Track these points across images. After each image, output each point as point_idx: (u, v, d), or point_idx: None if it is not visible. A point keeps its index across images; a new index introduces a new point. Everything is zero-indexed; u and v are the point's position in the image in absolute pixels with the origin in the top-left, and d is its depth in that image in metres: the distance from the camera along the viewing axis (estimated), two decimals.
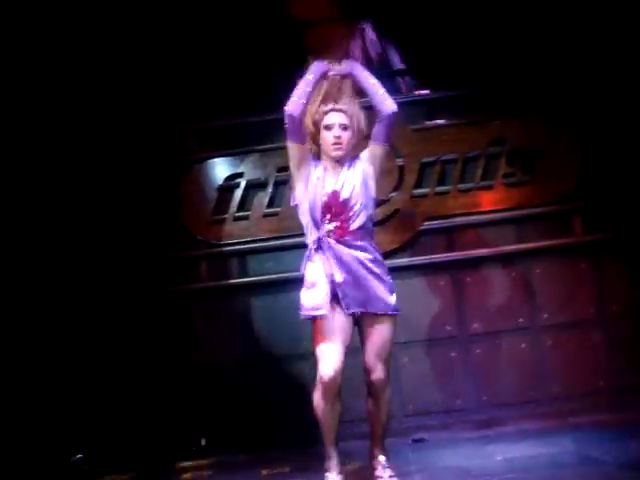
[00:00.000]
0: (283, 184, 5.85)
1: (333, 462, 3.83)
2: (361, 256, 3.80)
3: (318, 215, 3.80)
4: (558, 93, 5.85)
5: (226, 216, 5.89)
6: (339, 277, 3.76)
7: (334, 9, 6.18)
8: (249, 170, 5.93)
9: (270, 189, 5.88)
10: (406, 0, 5.97)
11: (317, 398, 3.76)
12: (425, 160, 5.82)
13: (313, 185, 3.84)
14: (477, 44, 5.89)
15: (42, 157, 5.61)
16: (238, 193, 5.90)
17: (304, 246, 5.71)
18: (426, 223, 5.75)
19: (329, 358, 3.69)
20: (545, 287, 5.71)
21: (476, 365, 5.67)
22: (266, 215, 5.88)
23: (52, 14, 5.51)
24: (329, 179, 3.84)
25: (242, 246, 5.89)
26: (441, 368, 5.62)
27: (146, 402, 5.61)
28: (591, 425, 5.15)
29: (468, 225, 5.82)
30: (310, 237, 3.89)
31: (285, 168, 5.82)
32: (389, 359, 3.93)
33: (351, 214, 3.79)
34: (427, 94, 6.02)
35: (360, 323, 3.88)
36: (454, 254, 5.78)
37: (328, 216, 3.79)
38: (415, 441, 5.31)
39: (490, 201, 5.80)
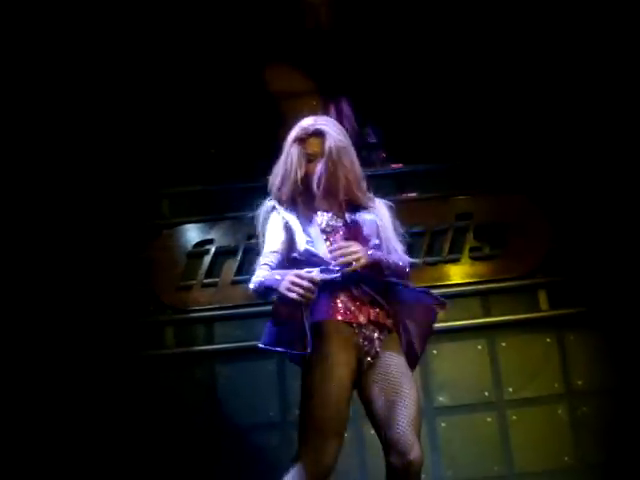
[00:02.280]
0: (253, 251, 5.85)
1: None
2: None
3: None
4: (525, 169, 5.98)
5: (194, 282, 5.86)
6: None
7: (310, 83, 6.29)
8: (219, 237, 5.94)
9: (239, 256, 5.88)
10: (379, 77, 6.10)
11: None
12: None
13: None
14: (446, 121, 6.03)
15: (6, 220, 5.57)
16: (207, 259, 5.89)
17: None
18: None
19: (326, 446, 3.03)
20: (510, 361, 5.72)
21: (442, 438, 5.62)
22: (235, 282, 5.86)
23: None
24: None
25: (209, 312, 5.85)
26: None
27: (110, 467, 5.46)
28: None
29: None
30: None
31: (255, 236, 5.87)
32: None
33: None
34: (400, 168, 6.12)
35: None
36: None
37: None
38: None
39: (457, 274, 5.86)
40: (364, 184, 3.37)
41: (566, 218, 5.86)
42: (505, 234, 5.88)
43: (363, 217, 3.29)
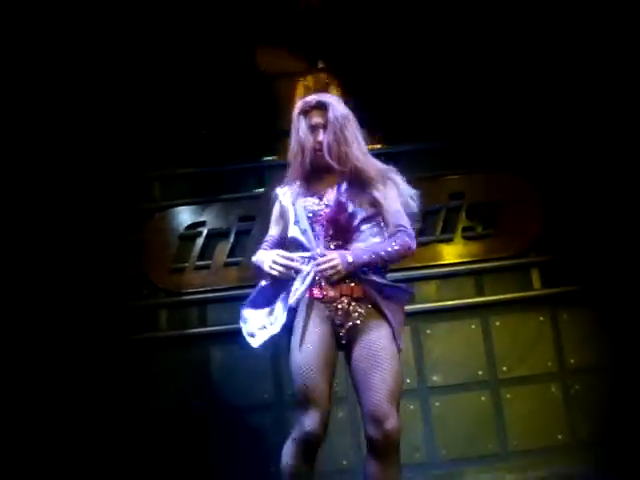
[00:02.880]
0: (245, 233, 5.87)
1: None
2: None
3: None
4: (518, 147, 5.97)
5: (187, 265, 5.86)
6: None
7: (301, 63, 6.26)
8: (211, 219, 5.93)
9: (232, 238, 5.88)
10: (368, 56, 6.07)
11: (296, 454, 3.23)
12: None
13: None
14: (438, 99, 6.01)
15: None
16: (199, 242, 5.89)
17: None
18: (386, 275, 5.76)
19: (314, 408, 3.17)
20: (504, 340, 5.74)
21: (435, 418, 5.64)
22: (227, 264, 5.86)
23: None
24: None
25: (202, 295, 5.85)
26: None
27: (104, 451, 5.47)
28: (550, 479, 5.15)
29: (428, 277, 5.86)
30: None
31: (247, 218, 5.88)
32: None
33: None
34: (391, 147, 6.10)
35: None
36: (414, 306, 5.79)
37: None
38: None
39: (450, 254, 5.86)
40: (369, 157, 3.47)
41: (559, 197, 5.86)
42: (498, 213, 5.88)
43: (355, 193, 3.33)
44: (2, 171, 5.53)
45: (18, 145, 5.60)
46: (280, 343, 5.60)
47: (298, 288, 3.22)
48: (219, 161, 6.02)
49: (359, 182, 3.36)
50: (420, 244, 5.78)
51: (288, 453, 3.24)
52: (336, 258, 3.14)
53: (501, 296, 5.79)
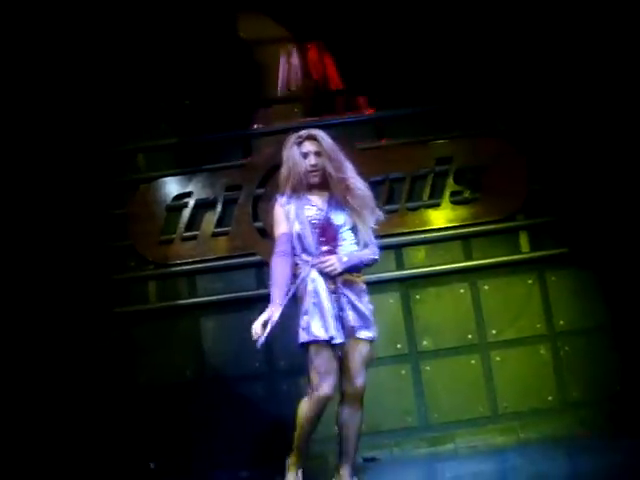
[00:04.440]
0: (232, 203, 5.84)
1: (302, 458, 4.03)
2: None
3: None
4: (504, 111, 5.95)
5: (174, 236, 5.84)
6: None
7: (281, 29, 6.19)
8: (197, 189, 5.90)
9: (219, 208, 5.85)
10: (353, 21, 6.00)
11: (313, 412, 3.89)
12: (373, 179, 5.82)
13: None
14: (423, 63, 5.96)
15: None
16: (186, 212, 5.85)
17: (253, 265, 5.79)
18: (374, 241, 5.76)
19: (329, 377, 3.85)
20: (493, 303, 5.77)
21: (426, 382, 5.68)
22: (215, 235, 5.85)
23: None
24: None
25: (191, 266, 5.84)
26: (391, 385, 5.62)
27: (95, 424, 5.49)
28: (540, 440, 5.22)
29: (416, 243, 5.86)
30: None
31: (233, 187, 5.85)
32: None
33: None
34: (378, 113, 6.06)
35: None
36: (403, 272, 5.81)
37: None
38: (366, 460, 5.29)
39: (438, 219, 5.86)
40: (357, 178, 4.03)
41: (546, 160, 5.84)
42: (485, 177, 5.86)
43: (342, 207, 3.98)
44: None
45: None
46: None
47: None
48: (204, 130, 5.97)
49: (345, 198, 3.96)
50: (408, 210, 5.84)
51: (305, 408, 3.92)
52: (333, 258, 3.89)
53: (489, 260, 5.80)
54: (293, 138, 4.02)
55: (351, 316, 3.91)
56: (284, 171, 4.03)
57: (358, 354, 3.94)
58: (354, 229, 4.00)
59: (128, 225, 5.87)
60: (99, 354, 5.63)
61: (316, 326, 3.83)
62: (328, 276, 3.89)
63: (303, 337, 3.88)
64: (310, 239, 3.94)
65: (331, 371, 3.84)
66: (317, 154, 3.96)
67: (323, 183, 3.98)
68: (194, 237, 5.85)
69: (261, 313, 5.58)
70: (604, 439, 5.01)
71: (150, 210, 5.89)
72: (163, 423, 5.54)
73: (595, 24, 5.61)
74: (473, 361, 5.72)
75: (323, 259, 3.89)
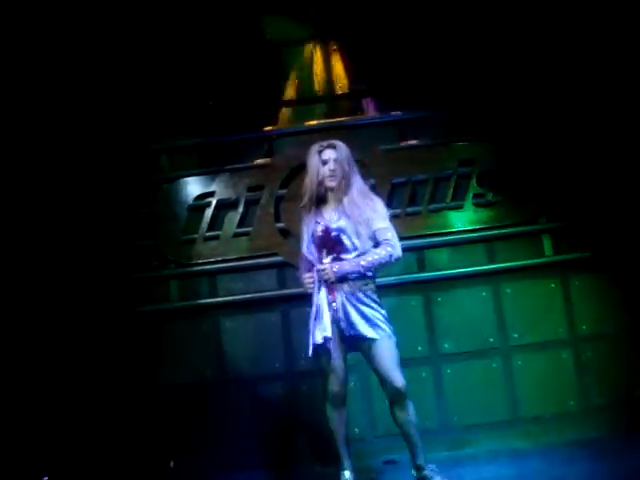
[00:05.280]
0: (254, 203, 5.86)
1: (346, 461, 4.32)
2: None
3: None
4: (528, 114, 5.90)
5: (196, 236, 5.86)
6: None
7: (304, 30, 6.20)
8: (220, 189, 5.91)
9: (241, 209, 5.86)
10: (376, 21, 6.00)
11: (330, 409, 4.32)
12: (396, 181, 5.84)
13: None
14: (448, 66, 5.94)
15: (9, 177, 5.54)
16: (208, 212, 5.87)
17: (275, 266, 5.80)
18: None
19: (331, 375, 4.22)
20: (515, 307, 5.73)
21: (447, 385, 5.66)
22: (236, 235, 5.86)
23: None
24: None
25: (212, 266, 5.85)
26: (411, 388, 5.57)
27: (115, 423, 5.52)
28: (561, 445, 5.17)
29: (439, 245, 5.84)
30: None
31: (256, 187, 5.86)
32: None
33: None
34: (401, 115, 6.05)
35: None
36: (425, 274, 5.79)
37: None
38: (386, 463, 5.27)
39: (460, 221, 5.83)
40: (365, 188, 4.38)
41: (569, 162, 5.79)
42: (508, 180, 5.83)
43: (348, 215, 4.25)
44: (10, 145, 5.53)
45: (23, 120, 5.59)
46: (292, 315, 5.69)
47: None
48: (226, 131, 5.99)
49: (353, 205, 4.26)
50: (430, 212, 5.82)
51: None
52: (327, 268, 4.19)
53: (512, 263, 5.77)
54: (316, 147, 4.36)
55: (355, 319, 4.18)
56: (307, 179, 4.37)
57: (377, 356, 4.20)
58: (358, 234, 4.23)
59: (151, 225, 5.89)
60: (120, 353, 5.65)
61: (317, 333, 4.16)
62: (326, 283, 4.20)
63: (310, 350, 4.19)
64: (313, 250, 4.29)
65: (332, 370, 4.20)
66: (335, 161, 4.28)
67: (334, 189, 4.31)
68: (216, 237, 5.86)
69: (282, 314, 5.72)
70: (625, 443, 4.96)
71: (173, 210, 5.92)
72: (183, 422, 5.56)
73: (610, 22, 5.58)
74: (494, 365, 5.69)
75: (320, 267, 4.22)
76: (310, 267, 4.29)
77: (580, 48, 5.76)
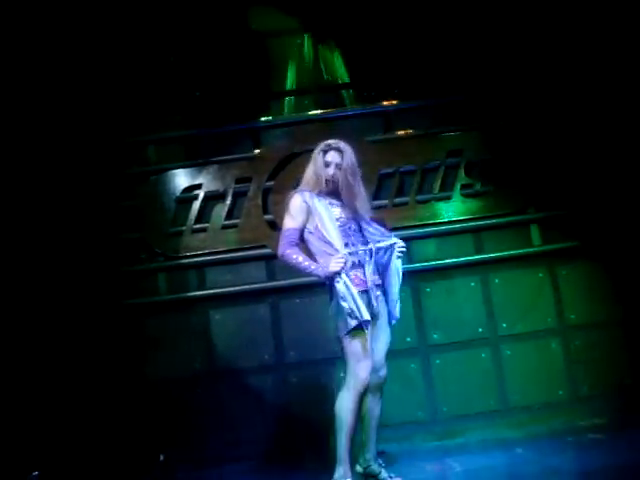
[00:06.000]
0: (242, 195, 5.84)
1: (347, 467, 3.98)
2: None
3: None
4: (515, 104, 5.90)
5: (184, 228, 5.83)
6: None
7: (292, 21, 6.17)
8: (207, 181, 5.89)
9: (229, 201, 5.84)
10: (363, 13, 5.98)
11: (352, 399, 3.98)
12: (383, 171, 5.83)
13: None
14: (435, 56, 5.93)
15: None
16: (196, 205, 5.85)
17: (263, 258, 5.78)
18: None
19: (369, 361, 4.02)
20: (504, 297, 5.75)
21: (436, 376, 5.67)
22: (224, 227, 5.84)
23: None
24: None
25: (200, 258, 5.83)
26: (401, 379, 5.60)
27: (104, 417, 5.49)
28: (550, 434, 5.19)
29: (427, 235, 5.84)
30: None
31: (243, 179, 5.84)
32: None
33: None
34: (389, 105, 6.04)
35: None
36: (413, 265, 5.78)
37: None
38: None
39: (448, 212, 5.83)
40: (365, 199, 4.29)
41: (557, 153, 5.81)
42: (497, 170, 5.83)
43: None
44: None
45: (7, 111, 5.54)
46: (281, 307, 5.70)
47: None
48: (214, 123, 5.96)
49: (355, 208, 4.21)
50: (418, 202, 5.83)
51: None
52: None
53: (500, 253, 5.78)
54: (322, 145, 4.25)
55: (380, 301, 4.15)
56: (309, 170, 4.25)
57: (380, 340, 4.15)
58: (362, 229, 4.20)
59: (138, 217, 5.87)
60: (109, 346, 5.63)
61: (363, 311, 3.96)
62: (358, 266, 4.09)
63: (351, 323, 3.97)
64: (337, 235, 4.08)
65: (368, 355, 4.00)
66: (337, 166, 4.18)
67: (335, 192, 4.19)
68: (204, 229, 5.85)
69: (271, 306, 5.72)
70: (614, 432, 4.98)
71: (160, 202, 5.89)
72: (172, 415, 5.54)
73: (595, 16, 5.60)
74: (484, 355, 5.70)
75: (359, 249, 4.11)
76: (297, 243, 4.13)
77: (566, 37, 5.76)
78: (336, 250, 4.02)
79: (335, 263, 3.96)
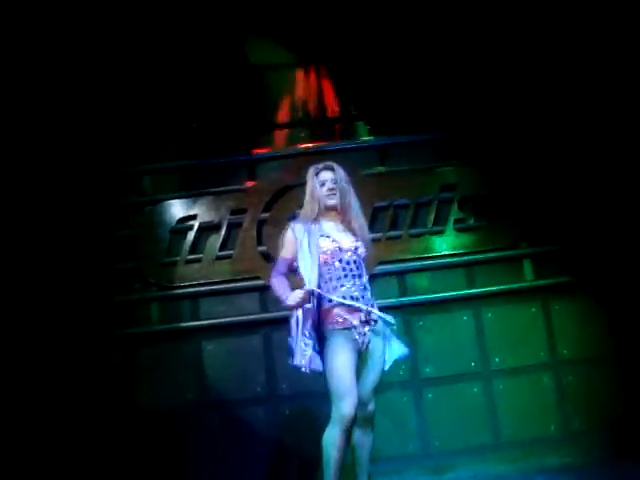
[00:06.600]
0: (236, 227, 5.86)
1: None
2: None
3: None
4: (509, 141, 5.96)
5: (178, 258, 5.84)
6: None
7: (287, 54, 6.23)
8: (202, 212, 5.91)
9: (223, 232, 5.86)
10: (359, 47, 6.06)
11: (338, 435, 3.94)
12: (378, 204, 5.86)
13: None
14: (430, 92, 6.00)
15: None
16: (191, 235, 5.87)
17: (256, 289, 5.79)
18: (378, 267, 5.76)
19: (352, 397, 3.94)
20: (496, 331, 5.76)
21: (428, 410, 5.66)
22: (219, 258, 5.85)
23: None
24: None
25: (194, 289, 5.83)
26: (393, 412, 5.59)
27: (95, 446, 5.46)
28: (542, 470, 5.17)
29: (420, 269, 5.86)
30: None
31: (238, 211, 5.87)
32: None
33: None
34: (384, 139, 6.09)
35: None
36: (406, 298, 5.80)
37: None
38: None
39: (442, 246, 5.86)
40: (360, 215, 4.31)
41: (550, 188, 5.86)
42: (490, 205, 5.88)
43: (359, 244, 4.23)
44: None
45: (6, 139, 5.56)
46: (274, 338, 5.69)
47: None
48: (210, 154, 5.99)
49: (358, 226, 4.26)
50: (412, 236, 5.85)
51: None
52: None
53: (493, 287, 5.80)
54: (312, 170, 4.31)
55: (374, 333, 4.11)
56: (306, 197, 4.28)
57: (373, 372, 4.10)
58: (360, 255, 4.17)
59: (133, 247, 5.87)
60: (101, 375, 5.61)
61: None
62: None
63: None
64: (312, 269, 4.07)
65: (351, 390, 3.94)
66: (333, 181, 4.23)
67: (337, 209, 4.23)
68: (198, 260, 5.85)
69: (264, 337, 5.71)
70: (606, 467, 4.97)
71: (155, 232, 5.90)
72: (163, 445, 5.51)
73: (595, 54, 5.68)
74: (476, 389, 5.70)
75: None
76: (284, 272, 4.13)
77: (556, 77, 5.85)
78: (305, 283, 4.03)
79: (292, 297, 3.94)
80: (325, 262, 4.08)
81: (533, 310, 5.80)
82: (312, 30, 6.19)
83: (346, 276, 4.06)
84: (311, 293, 3.97)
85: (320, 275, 4.07)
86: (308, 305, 3.98)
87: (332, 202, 4.20)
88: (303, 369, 3.90)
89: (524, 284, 5.83)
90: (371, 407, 4.09)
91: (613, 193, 5.69)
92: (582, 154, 5.82)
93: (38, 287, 5.58)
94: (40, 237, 5.64)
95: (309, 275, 4.04)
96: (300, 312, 3.95)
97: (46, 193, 5.71)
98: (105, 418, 5.52)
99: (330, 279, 4.06)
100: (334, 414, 3.93)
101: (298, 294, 3.93)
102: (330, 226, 4.21)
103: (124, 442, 5.50)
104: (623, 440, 5.27)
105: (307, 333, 3.95)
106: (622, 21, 5.51)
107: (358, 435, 4.11)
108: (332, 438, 3.91)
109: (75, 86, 5.81)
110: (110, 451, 5.45)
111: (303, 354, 3.91)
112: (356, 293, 4.05)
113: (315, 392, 4.18)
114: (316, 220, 4.20)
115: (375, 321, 4.05)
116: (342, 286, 4.04)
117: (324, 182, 4.23)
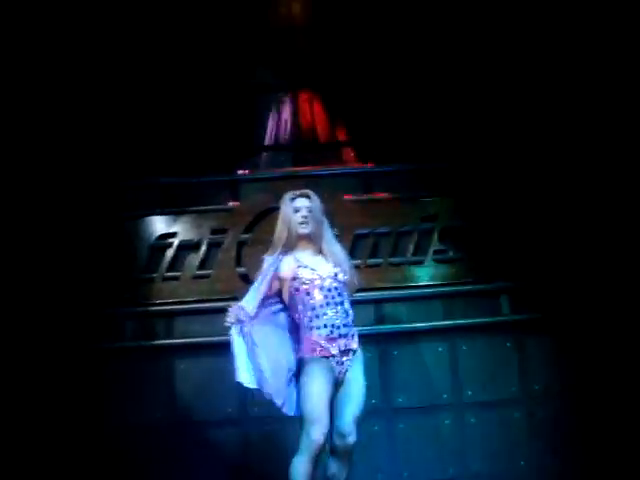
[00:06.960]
0: (216, 246, 5.84)
1: None
2: None
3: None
4: (491, 175, 6.01)
5: (155, 275, 5.81)
6: None
7: (274, 78, 6.28)
8: (183, 230, 5.89)
9: (202, 251, 5.84)
10: (350, 75, 6.12)
11: (306, 462, 3.93)
12: (359, 231, 5.87)
13: None
14: (413, 122, 6.06)
15: None
16: (170, 253, 5.84)
17: None
18: (356, 295, 5.74)
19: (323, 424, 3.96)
20: (470, 364, 5.76)
21: (399, 440, 5.64)
22: (196, 277, 5.83)
23: None
24: None
25: (170, 307, 5.80)
26: (363, 441, 5.54)
27: (62, 463, 5.38)
28: None
29: (398, 299, 5.86)
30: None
31: (219, 230, 5.86)
32: None
33: None
34: (368, 167, 6.12)
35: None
36: (382, 327, 5.80)
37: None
38: None
39: (420, 276, 5.87)
40: (333, 241, 4.37)
41: (529, 224, 5.90)
42: (470, 237, 5.91)
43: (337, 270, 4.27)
44: None
45: None
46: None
47: None
48: (193, 172, 5.99)
49: (334, 253, 4.29)
50: (391, 265, 5.85)
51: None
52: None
53: (469, 320, 5.81)
54: (288, 195, 4.33)
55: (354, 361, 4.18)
56: (278, 229, 4.31)
57: (353, 400, 4.13)
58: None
59: (110, 261, 5.83)
60: (72, 390, 5.54)
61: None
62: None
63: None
64: (255, 292, 4.20)
65: (321, 417, 3.96)
66: (308, 209, 4.25)
67: (310, 237, 4.25)
68: (176, 278, 5.83)
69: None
70: None
71: (133, 247, 5.87)
72: (132, 464, 5.44)
73: (578, 83, 5.76)
74: (447, 421, 5.69)
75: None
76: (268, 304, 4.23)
77: (539, 113, 5.92)
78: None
79: (225, 315, 4.10)
80: (307, 292, 4.10)
81: (508, 345, 5.81)
82: (302, 56, 6.25)
83: (328, 304, 4.08)
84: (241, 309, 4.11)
85: (303, 304, 4.10)
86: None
87: (304, 231, 4.22)
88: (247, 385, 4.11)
89: (500, 318, 5.84)
90: (351, 439, 4.05)
91: (588, 231, 5.75)
92: (559, 192, 5.87)
93: (11, 302, 5.51)
94: (16, 251, 5.58)
95: (252, 300, 4.16)
96: (233, 329, 4.15)
97: (24, 206, 5.66)
98: (73, 434, 5.44)
99: (313, 308, 4.07)
100: (303, 441, 3.92)
101: (230, 313, 4.11)
102: (306, 255, 4.23)
103: (93, 459, 5.43)
104: (594, 477, 5.28)
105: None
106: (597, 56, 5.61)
107: (334, 468, 4.09)
108: (300, 467, 3.90)
109: (57, 101, 5.80)
110: (74, 467, 5.37)
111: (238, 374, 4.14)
112: (337, 321, 4.07)
113: (286, 416, 4.15)
114: (290, 249, 4.23)
115: (354, 351, 4.08)
116: (324, 314, 4.05)
117: (298, 209, 4.25)
